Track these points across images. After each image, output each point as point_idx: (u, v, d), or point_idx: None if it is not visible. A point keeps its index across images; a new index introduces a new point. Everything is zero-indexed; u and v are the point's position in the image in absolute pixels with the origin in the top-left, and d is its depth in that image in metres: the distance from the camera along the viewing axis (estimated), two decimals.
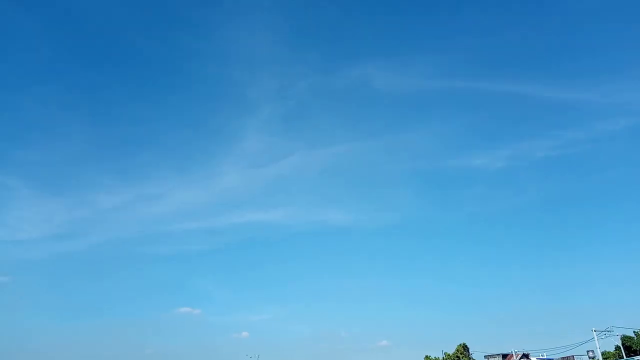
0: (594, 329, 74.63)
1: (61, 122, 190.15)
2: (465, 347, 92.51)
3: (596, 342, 74.55)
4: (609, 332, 75.02)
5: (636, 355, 78.79)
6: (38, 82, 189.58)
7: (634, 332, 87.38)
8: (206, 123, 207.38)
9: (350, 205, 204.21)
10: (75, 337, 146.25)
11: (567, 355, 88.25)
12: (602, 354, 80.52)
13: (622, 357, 78.43)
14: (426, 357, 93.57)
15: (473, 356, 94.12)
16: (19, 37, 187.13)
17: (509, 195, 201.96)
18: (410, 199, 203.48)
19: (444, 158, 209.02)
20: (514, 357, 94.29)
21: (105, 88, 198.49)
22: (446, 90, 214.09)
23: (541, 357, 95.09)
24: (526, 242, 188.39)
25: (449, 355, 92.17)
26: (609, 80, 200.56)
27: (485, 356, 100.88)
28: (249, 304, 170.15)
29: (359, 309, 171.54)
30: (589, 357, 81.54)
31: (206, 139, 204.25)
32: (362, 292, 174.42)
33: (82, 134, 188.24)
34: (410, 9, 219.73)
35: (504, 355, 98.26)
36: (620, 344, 79.08)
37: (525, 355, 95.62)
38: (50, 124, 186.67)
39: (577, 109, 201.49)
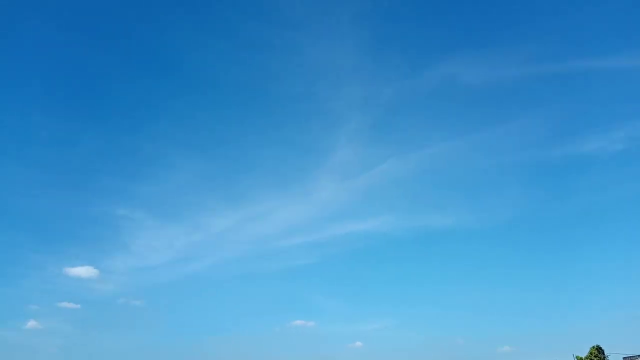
0: None
1: (173, 156, 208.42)
2: (599, 350, 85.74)
3: None
4: None
5: None
6: (151, 122, 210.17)
7: None
8: (299, 141, 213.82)
9: (452, 207, 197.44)
10: (201, 353, 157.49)
11: None
12: None
13: None
14: None
15: (609, 358, 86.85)
16: (128, 84, 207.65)
17: (632, 180, 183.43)
18: (517, 195, 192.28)
19: (551, 147, 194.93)
20: None
21: (207, 119, 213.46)
22: (542, 76, 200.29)
23: None
24: None
25: (581, 358, 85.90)
26: None
27: (624, 358, 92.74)
28: (361, 313, 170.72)
29: (474, 314, 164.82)
30: None
31: (300, 156, 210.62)
32: (475, 296, 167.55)
33: (192, 164, 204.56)
34: None
35: None
36: None
37: None
38: (164, 158, 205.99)
39: None
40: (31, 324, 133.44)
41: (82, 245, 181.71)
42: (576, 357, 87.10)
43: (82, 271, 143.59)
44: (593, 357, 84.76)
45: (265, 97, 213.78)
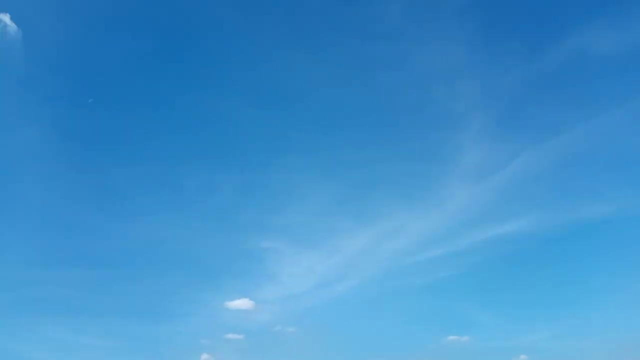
0: None
1: (304, 185, 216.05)
2: None
3: None
4: None
5: None
6: (280, 157, 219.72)
7: None
8: (423, 150, 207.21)
9: (608, 193, 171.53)
10: None
11: None
12: None
13: None
14: None
15: None
16: (256, 124, 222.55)
17: None
18: None
19: None
20: None
21: (330, 146, 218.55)
22: None
23: None
24: None
25: None
26: None
27: None
28: (520, 323, 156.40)
29: None
30: None
31: (427, 165, 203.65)
32: None
33: (322, 190, 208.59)
34: None
35: None
36: None
37: None
38: (296, 188, 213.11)
39: None
40: (204, 357, 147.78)
41: (237, 279, 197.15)
42: None
43: (241, 303, 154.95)
44: None
45: (382, 114, 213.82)
